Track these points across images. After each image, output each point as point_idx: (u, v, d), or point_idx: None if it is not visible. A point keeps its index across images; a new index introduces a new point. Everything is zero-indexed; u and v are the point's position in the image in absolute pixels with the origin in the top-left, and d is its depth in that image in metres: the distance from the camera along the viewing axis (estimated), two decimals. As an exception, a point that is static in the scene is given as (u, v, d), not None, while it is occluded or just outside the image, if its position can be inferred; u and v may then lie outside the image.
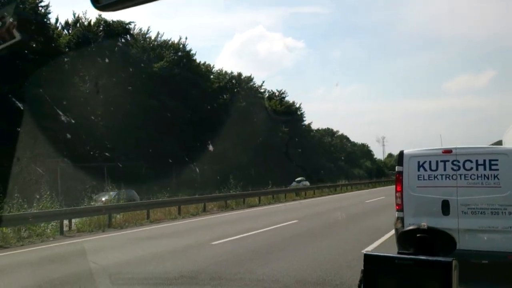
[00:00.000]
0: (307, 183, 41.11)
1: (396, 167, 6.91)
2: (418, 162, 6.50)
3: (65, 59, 31.41)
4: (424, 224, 1.44)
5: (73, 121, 30.50)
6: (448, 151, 6.39)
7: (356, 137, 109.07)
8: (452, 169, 6.28)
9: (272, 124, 53.30)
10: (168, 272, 7.24)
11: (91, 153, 30.49)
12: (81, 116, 29.45)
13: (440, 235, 1.42)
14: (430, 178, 6.43)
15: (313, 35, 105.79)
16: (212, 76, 46.95)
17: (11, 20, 1.38)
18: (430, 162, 6.43)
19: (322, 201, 25.32)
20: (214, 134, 40.79)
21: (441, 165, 6.36)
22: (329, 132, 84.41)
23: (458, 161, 6.26)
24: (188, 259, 8.48)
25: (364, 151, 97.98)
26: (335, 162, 76.55)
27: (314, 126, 79.66)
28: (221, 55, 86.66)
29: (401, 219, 6.55)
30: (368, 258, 1.33)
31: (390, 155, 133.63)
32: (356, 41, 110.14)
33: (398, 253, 1.37)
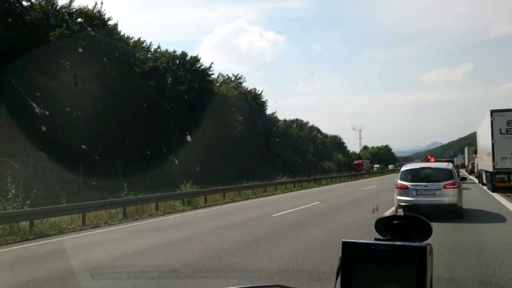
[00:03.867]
0: None
1: None
2: None
3: None
4: (401, 210, 1.48)
5: None
6: None
7: (335, 131, 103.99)
8: None
9: (224, 112, 46.75)
10: None
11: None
12: None
13: (416, 222, 1.41)
14: None
15: (295, 29, 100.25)
16: (149, 55, 40.25)
17: None
18: None
19: (218, 212, 15.97)
20: (144, 124, 34.00)
21: None
22: (297, 123, 78.11)
23: None
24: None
25: (336, 143, 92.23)
26: (303, 155, 70.63)
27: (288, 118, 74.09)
28: (200, 49, 79.92)
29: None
30: (346, 245, 1.32)
31: (365, 148, 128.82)
32: (337, 35, 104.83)
33: (375, 239, 1.36)
